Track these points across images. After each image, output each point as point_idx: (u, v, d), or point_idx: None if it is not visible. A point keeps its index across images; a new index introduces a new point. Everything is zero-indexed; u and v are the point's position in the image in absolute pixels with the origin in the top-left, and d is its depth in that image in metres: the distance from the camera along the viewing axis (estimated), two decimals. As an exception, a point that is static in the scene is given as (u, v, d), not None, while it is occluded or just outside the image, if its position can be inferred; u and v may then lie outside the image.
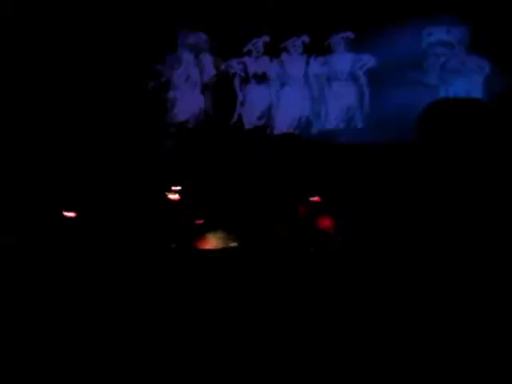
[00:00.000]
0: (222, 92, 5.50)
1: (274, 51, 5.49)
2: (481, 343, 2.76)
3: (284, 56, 5.48)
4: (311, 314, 3.01)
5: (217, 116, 5.45)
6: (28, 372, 2.75)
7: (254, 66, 5.48)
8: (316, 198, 4.04)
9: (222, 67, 5.46)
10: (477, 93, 4.82)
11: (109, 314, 3.09)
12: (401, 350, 2.81)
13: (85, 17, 5.24)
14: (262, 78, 5.41)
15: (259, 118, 5.38)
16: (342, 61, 5.22)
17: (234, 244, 3.67)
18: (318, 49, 5.35)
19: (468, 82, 5.01)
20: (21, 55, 5.12)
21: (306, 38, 5.37)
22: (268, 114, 5.34)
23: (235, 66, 5.48)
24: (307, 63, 5.38)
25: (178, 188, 4.30)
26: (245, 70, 5.45)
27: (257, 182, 4.37)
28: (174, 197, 4.25)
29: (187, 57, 5.57)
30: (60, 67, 5.16)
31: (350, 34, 5.23)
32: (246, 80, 5.44)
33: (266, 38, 5.42)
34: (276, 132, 5.34)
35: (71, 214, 4.16)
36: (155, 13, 5.40)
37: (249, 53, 5.45)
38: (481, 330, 2.80)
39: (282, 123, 5.37)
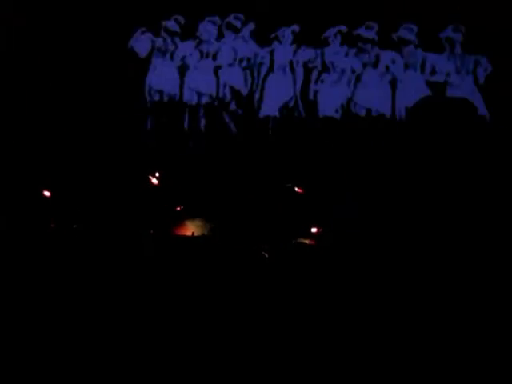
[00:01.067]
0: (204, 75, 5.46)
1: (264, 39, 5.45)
2: (478, 339, 2.75)
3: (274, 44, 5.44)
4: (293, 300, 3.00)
5: (199, 99, 5.41)
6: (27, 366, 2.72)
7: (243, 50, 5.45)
8: (299, 189, 4.03)
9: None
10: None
11: (91, 298, 3.06)
12: (397, 345, 2.80)
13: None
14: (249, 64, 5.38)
15: (247, 104, 5.37)
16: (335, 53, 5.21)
17: (211, 232, 3.65)
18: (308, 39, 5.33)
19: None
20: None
21: (296, 28, 5.35)
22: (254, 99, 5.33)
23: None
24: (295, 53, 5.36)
25: (159, 174, 4.26)
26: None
27: (239, 171, 4.32)
28: (155, 182, 4.21)
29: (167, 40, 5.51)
30: (58, 59, 5.10)
31: (343, 28, 5.21)
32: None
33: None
34: (261, 118, 5.30)
35: (48, 194, 4.11)
36: None
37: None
38: (478, 324, 2.79)
39: (268, 109, 5.35)
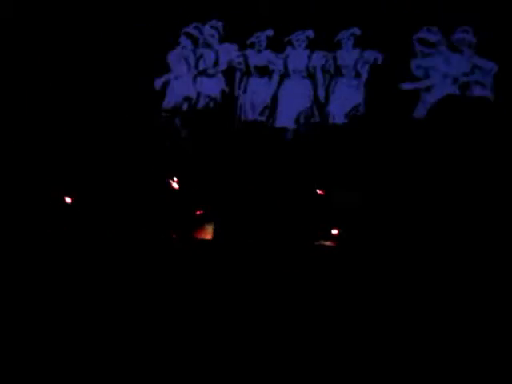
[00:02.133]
0: (222, 84, 5.48)
1: (277, 45, 5.48)
2: (478, 340, 2.75)
3: (288, 50, 5.46)
4: (305, 303, 3.01)
5: (217, 108, 5.43)
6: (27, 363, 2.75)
7: (256, 59, 5.47)
8: (320, 192, 4.05)
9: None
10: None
11: (109, 300, 3.08)
12: (397, 345, 2.80)
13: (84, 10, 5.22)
14: (263, 72, 5.39)
15: (260, 113, 5.37)
16: (348, 57, 5.21)
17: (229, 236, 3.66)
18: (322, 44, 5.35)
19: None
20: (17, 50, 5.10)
21: (310, 33, 5.36)
22: (269, 108, 5.33)
23: (237, 58, 5.45)
24: (310, 57, 5.37)
25: (178, 178, 4.29)
26: (246, 62, 5.42)
27: (256, 175, 4.34)
28: (175, 186, 4.24)
29: (186, 47, 5.53)
30: (58, 59, 5.14)
31: (357, 31, 5.21)
32: (247, 73, 5.41)
33: (270, 32, 5.40)
34: (277, 126, 5.31)
35: (69, 200, 4.15)
36: (157, 6, 5.38)
37: (251, 46, 5.42)
38: (478, 324, 2.79)
39: (283, 117, 5.35)
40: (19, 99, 5.03)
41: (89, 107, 5.07)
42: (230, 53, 5.51)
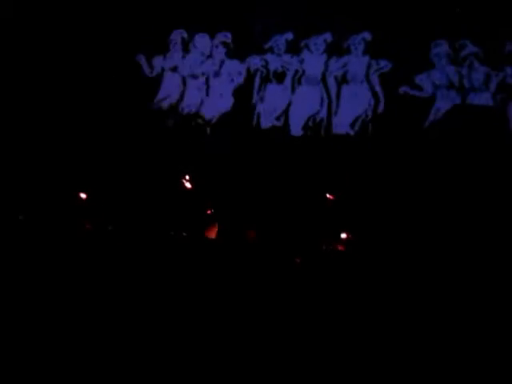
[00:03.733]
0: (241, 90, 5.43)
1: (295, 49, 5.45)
2: (480, 343, 2.75)
3: (305, 54, 5.42)
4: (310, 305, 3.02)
5: (233, 112, 5.39)
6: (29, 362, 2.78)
7: (275, 63, 5.43)
8: (330, 196, 4.05)
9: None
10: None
11: (121, 297, 3.12)
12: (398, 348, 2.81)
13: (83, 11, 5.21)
14: (281, 77, 5.36)
15: (277, 118, 5.35)
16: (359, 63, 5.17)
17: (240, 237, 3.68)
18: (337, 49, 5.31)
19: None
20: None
21: (328, 37, 5.32)
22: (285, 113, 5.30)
23: (256, 62, 5.41)
24: (327, 64, 5.33)
25: (191, 177, 4.32)
26: (266, 67, 5.39)
27: (270, 178, 4.36)
28: (188, 186, 4.27)
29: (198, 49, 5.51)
30: (58, 59, 5.14)
31: (368, 36, 5.17)
32: (266, 79, 5.37)
33: (290, 36, 5.38)
34: (292, 132, 5.29)
35: (84, 196, 4.20)
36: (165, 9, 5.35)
37: (270, 50, 5.39)
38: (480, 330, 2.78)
39: (296, 123, 5.34)
40: (20, 98, 5.06)
41: (93, 104, 5.07)
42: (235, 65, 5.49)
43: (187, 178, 4.35)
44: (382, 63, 5.15)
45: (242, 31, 5.37)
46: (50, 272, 3.29)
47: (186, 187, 4.31)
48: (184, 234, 3.72)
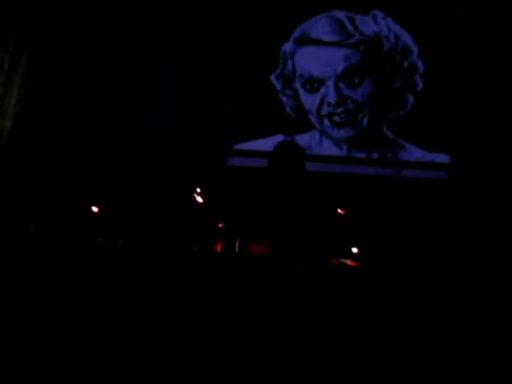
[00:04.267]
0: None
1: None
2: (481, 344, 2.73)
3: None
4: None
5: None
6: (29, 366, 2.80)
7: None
8: (341, 211, 4.05)
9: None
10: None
11: (130, 308, 3.14)
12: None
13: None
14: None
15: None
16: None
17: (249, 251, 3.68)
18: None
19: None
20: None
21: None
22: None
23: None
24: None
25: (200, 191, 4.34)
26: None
27: (279, 191, 4.36)
28: (198, 200, 4.29)
29: None
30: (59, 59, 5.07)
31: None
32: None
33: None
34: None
35: (96, 209, 4.23)
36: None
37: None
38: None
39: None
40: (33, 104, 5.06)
41: (102, 111, 5.05)
42: None
43: (198, 190, 4.37)
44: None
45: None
46: (60, 284, 3.31)
47: (197, 200, 4.33)
48: (195, 247, 3.73)
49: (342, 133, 5.04)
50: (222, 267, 3.26)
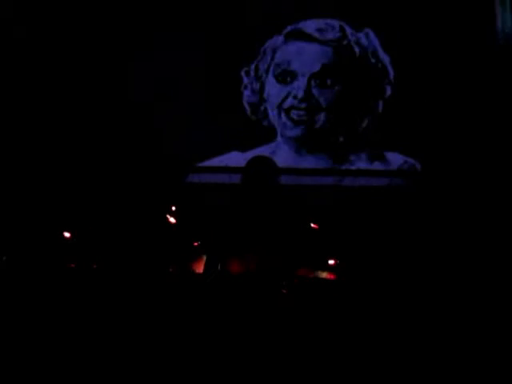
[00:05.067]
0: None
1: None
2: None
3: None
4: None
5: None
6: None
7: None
8: (314, 226, 4.04)
9: None
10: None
11: (108, 334, 3.09)
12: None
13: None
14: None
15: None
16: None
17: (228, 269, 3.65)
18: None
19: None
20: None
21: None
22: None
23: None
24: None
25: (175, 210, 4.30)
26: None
27: (254, 208, 4.34)
28: (172, 220, 4.25)
29: None
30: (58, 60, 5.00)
31: None
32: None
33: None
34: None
35: (68, 235, 4.16)
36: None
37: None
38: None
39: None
40: (19, 101, 4.97)
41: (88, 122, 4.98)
42: None
43: (172, 210, 4.33)
44: None
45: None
46: (35, 312, 3.25)
47: (170, 221, 4.29)
48: (171, 269, 3.69)
49: (295, 131, 5.07)
50: (208, 288, 3.24)
